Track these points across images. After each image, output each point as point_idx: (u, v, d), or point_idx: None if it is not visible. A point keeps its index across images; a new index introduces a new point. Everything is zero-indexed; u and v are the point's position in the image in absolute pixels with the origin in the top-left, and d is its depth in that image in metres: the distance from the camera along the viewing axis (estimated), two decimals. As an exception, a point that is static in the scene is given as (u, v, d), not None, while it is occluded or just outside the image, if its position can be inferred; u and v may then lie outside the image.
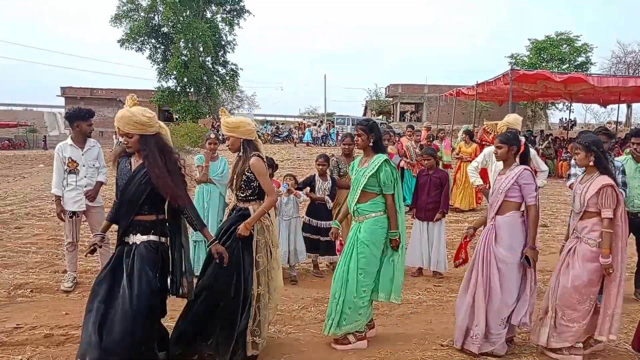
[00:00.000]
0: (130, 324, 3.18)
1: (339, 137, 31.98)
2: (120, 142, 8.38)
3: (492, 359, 4.15)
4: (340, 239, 4.94)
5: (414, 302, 5.57)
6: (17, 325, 4.48)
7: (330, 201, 6.47)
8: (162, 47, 39.39)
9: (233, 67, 40.74)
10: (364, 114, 54.12)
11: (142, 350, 3.27)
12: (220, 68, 40.59)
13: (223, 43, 39.80)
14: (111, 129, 44.85)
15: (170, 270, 3.60)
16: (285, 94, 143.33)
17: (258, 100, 75.22)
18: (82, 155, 5.48)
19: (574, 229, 4.28)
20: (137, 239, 3.47)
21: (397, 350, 4.26)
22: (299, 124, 37.72)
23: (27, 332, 4.37)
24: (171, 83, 39.27)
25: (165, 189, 3.41)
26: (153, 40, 39.21)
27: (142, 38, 38.65)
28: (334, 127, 35.26)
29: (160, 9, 37.71)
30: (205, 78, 38.64)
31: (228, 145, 4.17)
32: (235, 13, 39.94)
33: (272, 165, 6.61)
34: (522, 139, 4.55)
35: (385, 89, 51.58)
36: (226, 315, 3.81)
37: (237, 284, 3.83)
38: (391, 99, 51.63)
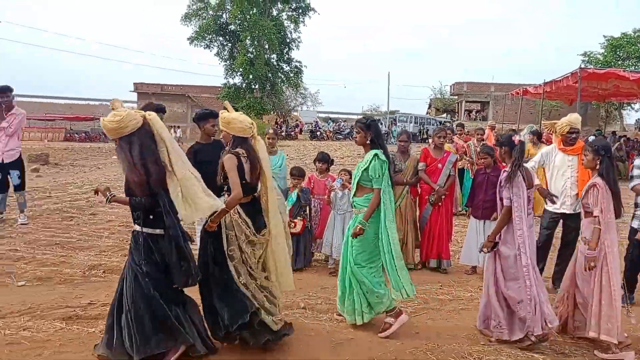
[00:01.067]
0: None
1: (401, 135, 31.83)
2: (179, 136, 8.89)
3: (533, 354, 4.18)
4: None
5: (466, 299, 5.59)
6: (91, 301, 4.86)
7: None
8: (229, 44, 40.44)
9: (297, 64, 41.26)
10: (428, 112, 53.44)
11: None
12: (284, 65, 41.19)
13: (288, 40, 40.37)
14: (181, 124, 46.65)
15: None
16: (348, 92, 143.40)
17: (321, 98, 75.65)
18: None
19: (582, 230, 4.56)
20: (136, 228, 3.80)
21: (445, 344, 4.32)
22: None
23: (99, 307, 4.74)
24: (237, 80, 40.26)
25: (134, 179, 3.58)
26: (221, 38, 40.33)
27: (211, 36, 39.83)
28: (396, 124, 35.11)
29: (228, 7, 38.74)
30: (270, 75, 39.34)
31: (222, 137, 4.42)
32: (300, 11, 40.41)
33: (327, 160, 6.81)
34: (516, 138, 4.64)
35: (450, 87, 50.75)
36: (211, 305, 3.98)
37: (213, 274, 3.99)
38: (456, 97, 50.73)
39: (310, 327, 4.60)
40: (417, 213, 6.87)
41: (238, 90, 39.92)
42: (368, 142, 4.58)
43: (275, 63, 40.20)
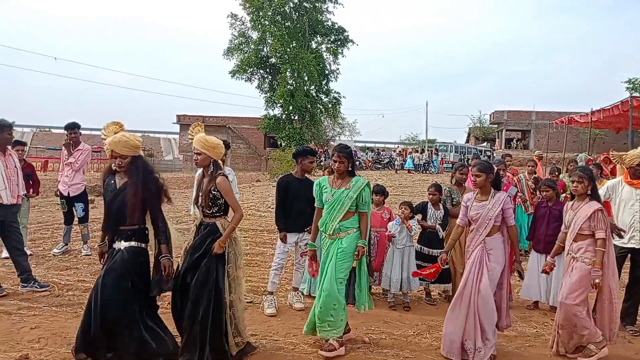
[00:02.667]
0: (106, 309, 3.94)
1: (443, 165, 31.62)
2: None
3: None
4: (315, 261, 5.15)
5: (531, 336, 5.49)
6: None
7: (441, 230, 6.55)
8: (270, 77, 41.30)
9: (336, 95, 41.75)
10: (467, 141, 53.00)
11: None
12: (323, 96, 41.74)
13: (327, 72, 40.99)
14: (220, 155, 47.43)
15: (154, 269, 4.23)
16: (385, 121, 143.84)
17: (359, 127, 75.99)
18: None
19: (568, 251, 4.87)
20: (122, 245, 4.15)
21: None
22: (401, 151, 37.67)
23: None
24: (277, 111, 40.95)
25: (132, 205, 4.07)
26: (261, 71, 41.24)
27: (252, 69, 40.76)
28: (437, 154, 34.93)
29: (269, 41, 39.68)
30: (309, 106, 39.90)
31: (196, 160, 4.45)
32: (339, 43, 41.07)
33: (383, 192, 6.86)
34: (495, 168, 5.01)
35: (490, 115, 50.32)
36: (204, 324, 4.13)
37: (214, 295, 4.18)
38: (496, 126, 50.21)
39: (377, 362, 4.60)
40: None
41: (278, 121, 40.56)
42: (349, 169, 4.89)
43: (314, 94, 40.78)
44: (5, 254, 7.09)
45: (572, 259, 4.81)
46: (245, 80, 41.25)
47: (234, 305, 4.32)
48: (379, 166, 36.56)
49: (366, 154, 42.59)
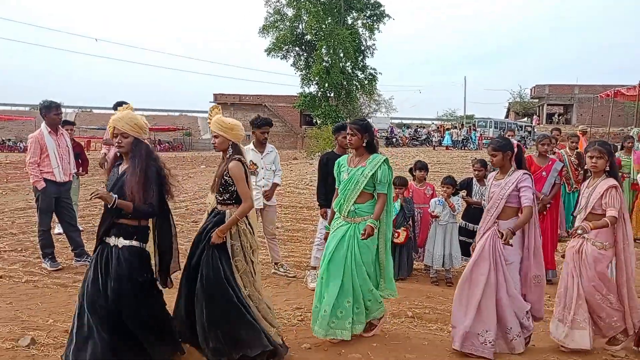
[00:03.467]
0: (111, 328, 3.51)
1: (482, 141, 31.09)
2: (104, 152, 8.62)
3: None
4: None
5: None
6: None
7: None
8: (305, 54, 41.17)
9: (372, 71, 41.39)
10: (507, 116, 51.88)
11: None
12: (359, 73, 41.43)
13: (363, 48, 40.59)
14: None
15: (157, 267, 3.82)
16: (423, 97, 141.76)
17: (395, 104, 75.18)
18: (262, 159, 6.11)
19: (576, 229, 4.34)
20: (119, 242, 3.60)
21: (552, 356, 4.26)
22: (439, 127, 37.17)
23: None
24: (313, 88, 40.91)
25: (132, 191, 3.51)
26: (297, 48, 41.15)
27: (287, 46, 40.73)
28: (475, 130, 34.34)
29: (304, 18, 39.48)
30: (345, 83, 39.69)
31: (214, 143, 4.07)
32: (375, 18, 40.54)
33: (426, 168, 6.85)
34: (515, 143, 4.46)
35: (530, 90, 49.03)
36: (221, 320, 3.77)
37: (223, 289, 3.78)
38: (537, 101, 48.94)
39: (422, 336, 4.64)
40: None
41: (314, 98, 40.53)
42: (364, 144, 4.40)
43: (350, 71, 40.49)
44: (59, 229, 7.40)
45: (583, 240, 4.28)
46: (281, 58, 41.39)
47: (252, 298, 3.92)
48: (417, 143, 36.24)
49: (403, 130, 42.21)
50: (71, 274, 6.15)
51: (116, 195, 3.53)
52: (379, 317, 4.57)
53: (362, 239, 4.23)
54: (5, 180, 15.37)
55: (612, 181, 4.22)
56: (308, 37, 40.49)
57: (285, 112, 50.30)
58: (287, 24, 40.48)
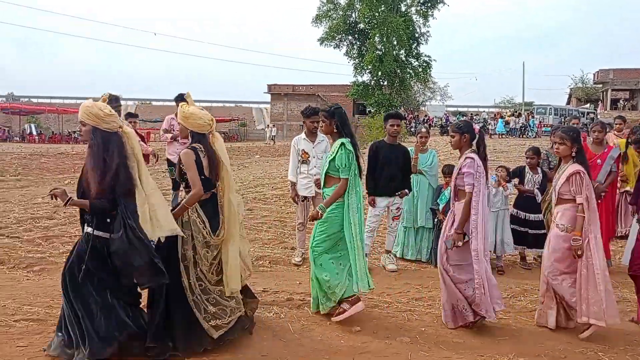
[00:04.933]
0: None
1: (542, 128, 30.20)
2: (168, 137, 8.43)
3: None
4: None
5: (633, 301, 5.31)
6: (264, 289, 5.37)
7: (539, 194, 6.42)
8: (358, 42, 41.02)
9: (426, 58, 40.77)
10: (568, 103, 50.00)
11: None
12: (413, 60, 40.91)
13: (417, 35, 40.04)
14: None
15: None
16: (479, 84, 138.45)
17: (451, 91, 73.68)
18: (313, 147, 6.27)
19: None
20: (87, 229, 3.66)
21: (617, 345, 4.23)
22: (495, 115, 36.30)
23: (272, 295, 5.24)
24: (366, 77, 40.74)
25: (87, 183, 3.54)
26: (350, 37, 41.05)
27: (340, 35, 40.70)
28: (533, 117, 33.37)
29: (357, 6, 39.32)
30: (398, 71, 39.31)
31: (179, 131, 4.25)
32: (429, 4, 39.86)
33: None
34: (476, 126, 4.62)
35: (594, 75, 46.99)
36: (163, 311, 3.83)
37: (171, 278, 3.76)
38: (600, 86, 46.87)
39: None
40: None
41: (367, 87, 40.39)
42: (335, 130, 4.56)
43: (404, 58, 40.05)
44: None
45: (553, 224, 4.51)
46: (334, 47, 41.35)
47: (193, 288, 3.92)
48: (472, 131, 35.51)
49: (457, 118, 41.50)
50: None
51: (70, 196, 3.59)
52: (348, 298, 4.55)
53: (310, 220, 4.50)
54: (72, 170, 16.23)
55: (577, 167, 4.33)
56: (361, 25, 40.30)
57: (338, 101, 50.13)
58: (340, 12, 40.40)
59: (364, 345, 4.16)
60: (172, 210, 3.92)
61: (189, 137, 4.11)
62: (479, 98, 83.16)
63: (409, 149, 6.43)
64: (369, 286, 4.55)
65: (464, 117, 40.75)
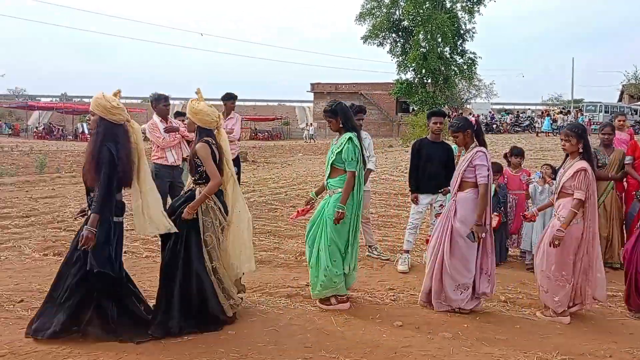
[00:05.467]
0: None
1: (591, 126, 29.30)
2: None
3: None
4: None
5: None
6: (307, 283, 5.48)
7: (587, 192, 6.30)
8: (402, 40, 40.73)
9: (471, 55, 40.12)
10: (620, 100, 48.21)
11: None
12: (458, 57, 40.33)
13: (462, 32, 39.45)
14: (353, 121, 47.99)
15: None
16: (526, 81, 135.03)
17: (496, 89, 72.22)
18: (358, 145, 6.33)
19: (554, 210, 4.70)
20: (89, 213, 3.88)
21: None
22: (543, 112, 35.41)
23: (313, 289, 5.35)
24: (409, 75, 40.42)
25: (86, 167, 3.90)
26: (393, 35, 40.80)
27: (383, 33, 40.52)
28: (582, 115, 32.39)
29: (401, 4, 39.06)
30: (443, 68, 38.85)
31: (186, 125, 4.44)
32: (475, 0, 39.19)
33: (522, 154, 6.75)
34: (473, 119, 4.83)
35: (647, 70, 45.10)
36: (185, 291, 4.16)
37: (187, 262, 4.16)
38: (655, 82, 44.97)
39: (515, 320, 4.70)
40: (624, 209, 6.48)
41: (410, 85, 40.07)
42: (341, 125, 4.70)
43: (448, 56, 39.54)
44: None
45: (554, 217, 4.67)
46: (377, 45, 41.21)
47: (217, 271, 4.29)
48: (518, 129, 34.86)
49: (503, 116, 40.66)
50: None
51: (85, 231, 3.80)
52: (334, 295, 4.77)
53: (335, 224, 4.59)
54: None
55: (583, 164, 4.49)
56: (405, 23, 40.01)
57: (381, 99, 50.12)
58: (384, 10, 40.22)
59: (406, 340, 4.21)
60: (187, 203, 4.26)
61: (196, 131, 4.36)
62: (526, 95, 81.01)
63: (452, 146, 6.41)
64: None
65: (510, 115, 39.95)
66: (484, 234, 4.63)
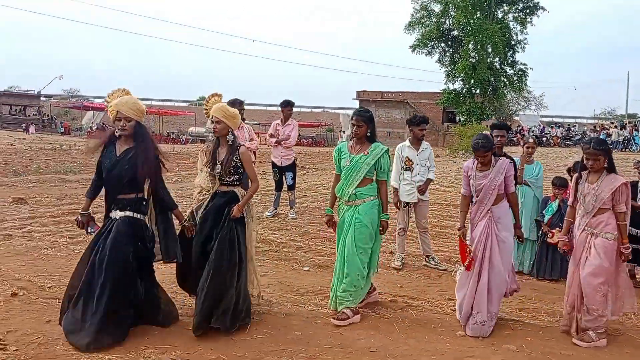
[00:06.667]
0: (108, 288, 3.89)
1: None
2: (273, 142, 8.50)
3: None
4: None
5: None
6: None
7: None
8: (451, 50, 40.45)
9: (522, 66, 39.47)
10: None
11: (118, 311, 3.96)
12: (508, 68, 39.75)
13: (513, 43, 38.86)
14: (399, 129, 47.97)
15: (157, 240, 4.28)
16: (578, 94, 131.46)
17: (546, 101, 70.59)
18: (417, 155, 6.41)
19: (586, 226, 4.54)
20: (117, 214, 4.07)
21: None
22: (596, 126, 34.43)
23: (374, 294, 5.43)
24: (457, 85, 40.08)
25: (150, 170, 4.06)
26: (442, 44, 40.58)
27: (432, 42, 40.34)
28: (637, 130, 31.34)
29: (451, 13, 38.80)
30: (492, 79, 38.36)
31: (215, 129, 4.43)
32: (528, 11, 38.57)
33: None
34: (487, 133, 5.01)
35: None
36: (228, 287, 4.27)
37: (236, 259, 4.34)
38: None
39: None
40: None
41: (458, 95, 39.72)
42: (368, 134, 4.72)
43: (498, 66, 39.02)
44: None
45: (591, 235, 4.53)
46: (426, 55, 41.03)
47: (252, 259, 4.63)
48: (569, 143, 33.94)
49: (554, 129, 39.72)
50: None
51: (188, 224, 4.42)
52: (353, 306, 4.72)
53: (381, 234, 4.82)
54: (176, 169, 17.28)
55: (620, 178, 4.48)
56: (455, 32, 39.74)
57: (427, 109, 49.74)
58: (434, 19, 40.06)
59: (469, 350, 4.26)
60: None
61: (230, 134, 4.48)
62: (577, 108, 78.96)
63: (515, 159, 6.38)
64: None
65: (560, 128, 39.00)
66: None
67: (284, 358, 3.94)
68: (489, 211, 4.69)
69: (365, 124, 4.69)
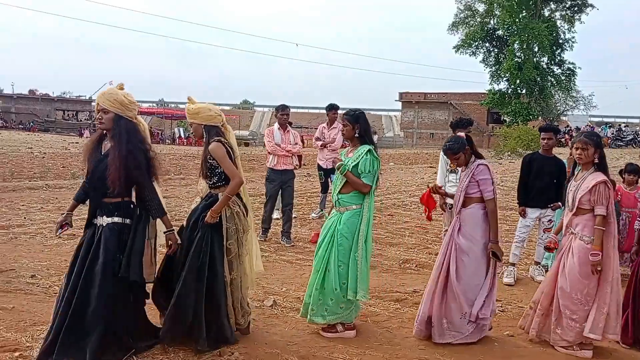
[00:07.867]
0: (97, 308, 3.46)
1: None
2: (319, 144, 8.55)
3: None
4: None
5: None
6: (415, 289, 5.67)
7: None
8: (496, 50, 39.88)
9: (570, 66, 38.53)
10: None
11: (111, 335, 3.55)
12: (555, 68, 38.88)
13: (560, 41, 37.97)
14: (442, 131, 47.48)
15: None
16: (630, 93, 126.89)
17: (596, 101, 68.53)
18: (464, 157, 6.45)
19: (567, 226, 4.30)
20: (103, 220, 3.59)
21: None
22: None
23: (421, 296, 5.51)
24: (502, 85, 39.48)
25: (112, 172, 3.46)
26: (487, 44, 40.05)
27: (477, 43, 39.84)
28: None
29: (496, 13, 38.26)
30: (538, 79, 37.58)
31: (192, 133, 4.18)
32: (576, 9, 37.63)
33: (637, 172, 6.57)
34: (462, 134, 4.69)
35: None
36: (197, 303, 3.82)
37: (207, 271, 3.83)
38: None
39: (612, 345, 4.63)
40: None
41: (503, 95, 39.11)
42: (356, 135, 4.33)
43: (545, 66, 38.20)
44: (276, 214, 8.57)
45: (572, 235, 4.26)
46: (470, 55, 40.60)
47: (233, 283, 4.00)
48: (621, 143, 32.95)
49: (603, 129, 38.56)
50: (294, 252, 7.18)
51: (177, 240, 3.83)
52: (347, 322, 4.44)
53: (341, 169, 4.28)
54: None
55: (600, 176, 4.12)
56: (499, 32, 39.14)
57: (471, 110, 49.10)
58: (478, 19, 39.62)
59: (518, 350, 4.30)
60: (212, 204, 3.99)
61: (204, 133, 4.05)
62: (628, 108, 76.25)
63: (563, 161, 6.35)
64: (365, 297, 4.38)
65: (611, 128, 37.82)
66: (501, 255, 4.35)
67: (336, 352, 4.09)
68: (459, 213, 4.46)
69: (350, 124, 4.35)
